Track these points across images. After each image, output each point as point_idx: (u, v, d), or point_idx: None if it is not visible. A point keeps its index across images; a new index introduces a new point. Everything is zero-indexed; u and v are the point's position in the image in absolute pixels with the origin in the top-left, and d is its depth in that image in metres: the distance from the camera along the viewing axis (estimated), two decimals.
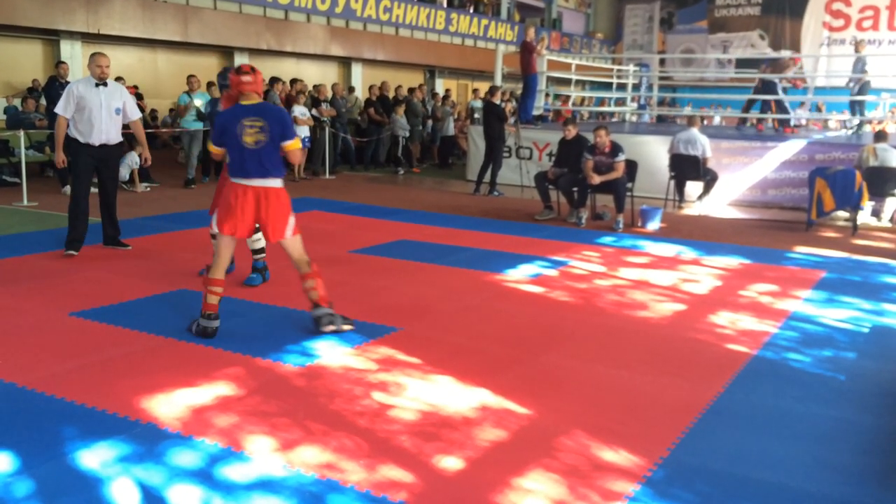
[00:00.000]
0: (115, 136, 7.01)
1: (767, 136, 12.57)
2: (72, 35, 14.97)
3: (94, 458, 3.18)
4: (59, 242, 7.07)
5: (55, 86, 10.79)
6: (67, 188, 10.71)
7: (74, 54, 15.11)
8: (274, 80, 13.67)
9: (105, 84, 6.90)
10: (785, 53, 19.57)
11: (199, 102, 12.14)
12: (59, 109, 6.78)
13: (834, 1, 28.47)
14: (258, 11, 17.72)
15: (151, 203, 10.26)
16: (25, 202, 9.76)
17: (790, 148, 11.34)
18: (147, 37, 15.65)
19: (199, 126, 12.15)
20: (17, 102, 13.06)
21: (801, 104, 18.56)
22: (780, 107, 14.23)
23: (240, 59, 18.31)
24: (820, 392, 4.17)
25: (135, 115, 7.21)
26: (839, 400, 4.08)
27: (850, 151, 10.82)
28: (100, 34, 14.86)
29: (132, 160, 11.29)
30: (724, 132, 14.55)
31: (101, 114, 6.83)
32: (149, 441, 3.35)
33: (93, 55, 6.97)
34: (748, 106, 15.51)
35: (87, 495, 2.91)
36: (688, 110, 21.75)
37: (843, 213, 9.90)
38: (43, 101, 12.45)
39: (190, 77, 12.58)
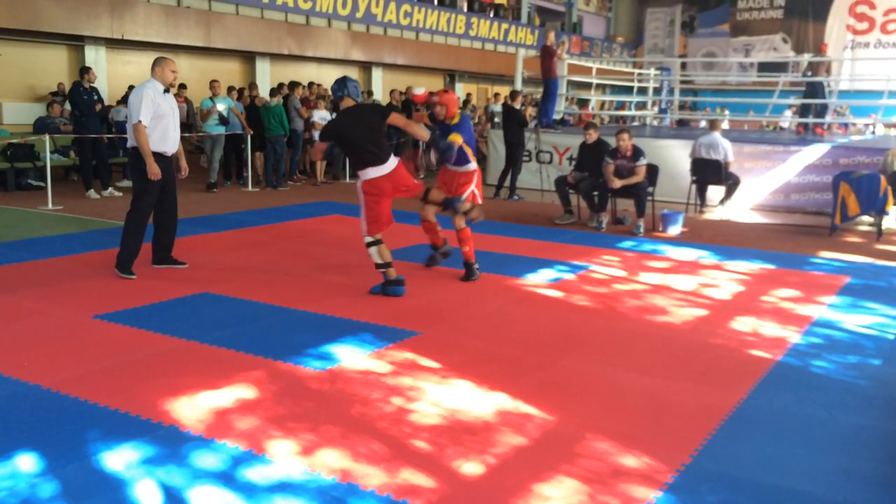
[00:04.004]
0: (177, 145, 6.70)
1: (790, 140, 12.47)
2: (96, 40, 15.15)
3: (117, 459, 3.21)
4: (83, 246, 7.14)
5: (79, 91, 10.91)
6: (91, 192, 10.86)
7: (99, 59, 15.30)
8: (294, 85, 13.75)
9: (167, 91, 6.58)
10: (806, 56, 19.38)
11: (221, 107, 12.23)
12: (143, 118, 6.24)
13: (858, 3, 28.21)
14: (280, 17, 17.85)
15: None
16: (50, 206, 9.87)
17: (814, 152, 11.23)
18: (170, 42, 15.79)
19: (222, 130, 12.24)
20: (38, 107, 13.26)
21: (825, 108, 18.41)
22: (817, 108, 14.20)
23: (261, 64, 18.46)
24: (844, 399, 4.13)
25: None
26: (864, 407, 4.03)
27: (875, 156, 10.70)
28: (124, 39, 15.02)
29: None
30: (747, 136, 14.44)
31: (174, 121, 6.53)
32: (171, 443, 3.38)
33: (164, 60, 6.57)
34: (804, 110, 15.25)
35: (111, 496, 2.93)
36: (725, 113, 21.67)
37: (867, 218, 9.79)
38: (67, 106, 12.59)
39: (212, 82, 12.69)
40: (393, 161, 5.92)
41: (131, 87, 15.89)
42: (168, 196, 6.67)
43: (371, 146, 5.82)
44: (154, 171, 6.33)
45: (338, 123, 5.97)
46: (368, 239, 5.99)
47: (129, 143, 6.48)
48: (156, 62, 6.53)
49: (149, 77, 6.49)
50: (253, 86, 14.32)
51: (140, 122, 6.25)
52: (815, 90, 14.28)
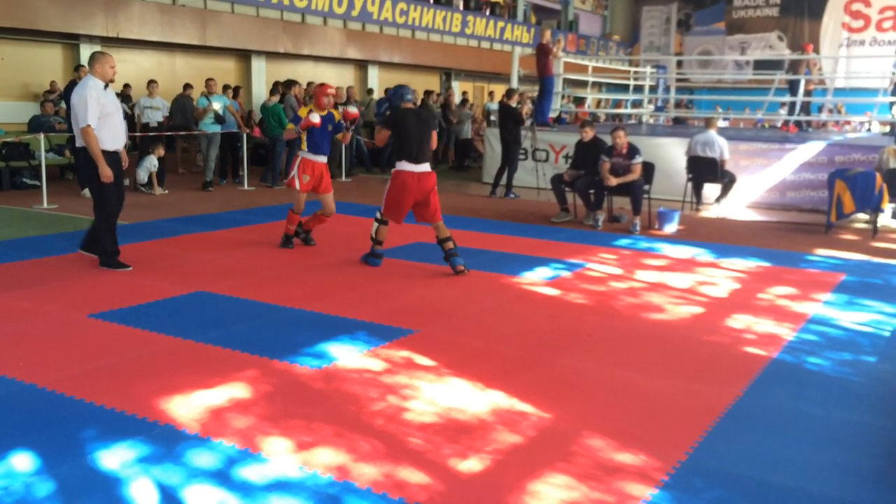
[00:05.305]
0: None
1: (786, 138, 12.50)
2: (91, 39, 15.11)
3: (113, 458, 3.21)
4: (79, 245, 7.09)
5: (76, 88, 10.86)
6: (86, 191, 10.82)
7: None
8: (291, 84, 13.73)
9: (108, 86, 6.43)
10: (795, 55, 19.47)
11: (217, 105, 12.21)
12: (91, 121, 6.16)
13: (853, 1, 28.23)
14: (275, 15, 17.82)
15: (169, 206, 10.33)
16: (45, 205, 9.85)
17: (809, 150, 11.25)
18: (165, 40, 15.77)
19: (217, 129, 12.22)
20: (33, 106, 13.21)
21: (821, 107, 18.47)
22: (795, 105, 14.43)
23: (257, 63, 18.43)
24: (840, 396, 4.14)
25: None
26: (859, 404, 4.04)
27: (871, 153, 10.72)
28: (119, 38, 14.99)
29: (150, 163, 11.38)
30: (743, 134, 14.49)
31: (119, 117, 6.52)
32: (167, 442, 3.37)
33: (102, 55, 6.45)
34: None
35: (107, 495, 2.93)
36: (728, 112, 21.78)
37: (863, 216, 9.81)
38: (63, 105, 12.56)
39: (208, 80, 12.67)
40: (426, 167, 6.74)
41: (126, 86, 15.89)
42: (118, 189, 6.62)
43: (416, 144, 6.66)
44: (106, 174, 6.30)
45: (400, 116, 6.80)
46: (378, 216, 6.87)
47: (78, 144, 6.42)
48: (94, 58, 6.41)
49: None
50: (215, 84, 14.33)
51: (89, 125, 6.18)
52: (794, 89, 14.52)
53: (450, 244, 6.77)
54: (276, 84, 13.44)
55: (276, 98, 12.81)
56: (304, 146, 7.51)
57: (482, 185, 13.31)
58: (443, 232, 6.80)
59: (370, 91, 18.65)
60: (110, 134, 6.37)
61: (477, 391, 4.05)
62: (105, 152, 6.33)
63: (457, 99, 17.84)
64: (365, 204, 10.86)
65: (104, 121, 6.30)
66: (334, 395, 3.96)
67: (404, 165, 6.68)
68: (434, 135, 6.94)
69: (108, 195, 6.50)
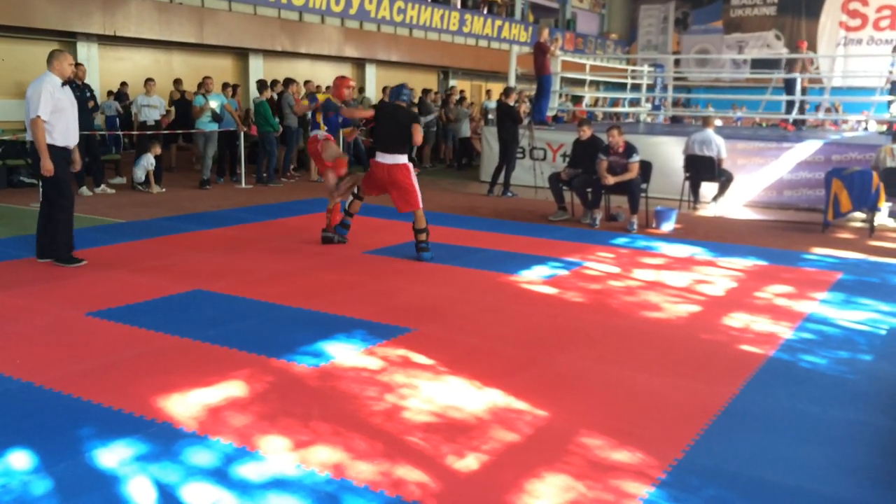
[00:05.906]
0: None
1: (783, 137, 12.52)
2: (88, 37, 15.09)
3: (110, 456, 3.21)
4: (76, 243, 7.11)
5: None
6: (84, 189, 10.82)
7: (91, 56, 15.24)
8: (289, 82, 13.72)
9: (65, 84, 6.53)
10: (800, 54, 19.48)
11: (214, 104, 12.19)
12: (42, 113, 6.20)
13: (850, 0, 28.27)
14: (273, 13, 17.81)
15: (167, 204, 10.33)
16: None
17: (806, 148, 11.26)
18: (162, 38, 15.75)
19: (215, 127, 12.20)
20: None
21: (818, 105, 18.49)
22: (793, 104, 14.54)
23: (254, 61, 18.41)
24: (836, 394, 4.14)
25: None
26: (855, 402, 4.05)
27: (868, 152, 10.73)
28: (116, 36, 14.97)
29: (147, 161, 11.37)
30: (740, 132, 14.51)
31: (73, 115, 6.55)
32: (164, 440, 3.38)
33: (60, 52, 6.53)
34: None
35: (104, 493, 2.93)
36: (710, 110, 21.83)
37: (859, 215, 9.82)
38: None
39: (205, 78, 12.65)
40: (398, 159, 7.10)
41: (124, 84, 15.88)
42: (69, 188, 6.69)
43: (386, 136, 7.13)
44: (48, 167, 6.29)
45: (380, 108, 7.61)
46: (355, 190, 7.58)
47: (30, 138, 6.46)
48: (52, 56, 6.48)
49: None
50: (179, 81, 14.36)
51: (39, 116, 6.23)
52: (790, 87, 14.62)
53: (422, 236, 7.13)
54: (262, 81, 13.36)
55: (266, 95, 12.77)
56: (325, 129, 7.78)
57: (480, 184, 13.31)
58: (419, 223, 7.14)
59: (361, 90, 18.65)
60: (62, 130, 6.41)
61: (474, 389, 4.06)
62: (55, 147, 6.37)
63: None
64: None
65: (57, 116, 6.34)
66: (331, 394, 3.96)
67: (376, 156, 7.26)
68: (415, 129, 7.17)
69: (66, 187, 6.56)
